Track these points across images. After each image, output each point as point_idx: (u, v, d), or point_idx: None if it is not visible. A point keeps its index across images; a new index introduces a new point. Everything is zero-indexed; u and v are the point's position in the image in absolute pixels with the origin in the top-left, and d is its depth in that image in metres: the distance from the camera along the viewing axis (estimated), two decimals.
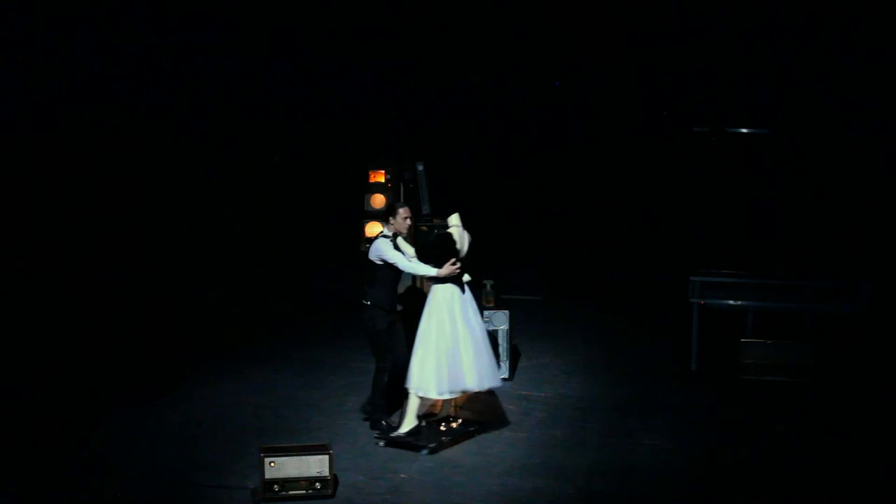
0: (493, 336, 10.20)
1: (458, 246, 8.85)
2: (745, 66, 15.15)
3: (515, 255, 15.70)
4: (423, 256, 8.97)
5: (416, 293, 10.43)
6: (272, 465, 7.52)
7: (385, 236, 8.85)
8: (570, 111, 17.71)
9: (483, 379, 8.87)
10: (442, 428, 9.00)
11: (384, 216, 9.16)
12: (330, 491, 7.61)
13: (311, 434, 8.87)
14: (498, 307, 10.55)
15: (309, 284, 14.64)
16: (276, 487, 7.52)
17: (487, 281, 10.64)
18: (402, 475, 8.09)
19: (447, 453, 8.56)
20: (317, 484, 7.57)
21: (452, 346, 8.70)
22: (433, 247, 8.96)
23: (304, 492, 7.56)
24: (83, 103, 10.17)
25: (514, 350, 11.16)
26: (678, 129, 16.29)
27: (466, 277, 9.01)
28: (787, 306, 10.75)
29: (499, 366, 9.71)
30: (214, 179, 12.87)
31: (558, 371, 11.11)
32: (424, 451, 8.55)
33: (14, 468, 7.98)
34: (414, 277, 10.13)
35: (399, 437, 8.76)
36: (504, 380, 9.90)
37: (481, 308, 9.63)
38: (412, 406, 8.81)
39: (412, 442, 8.69)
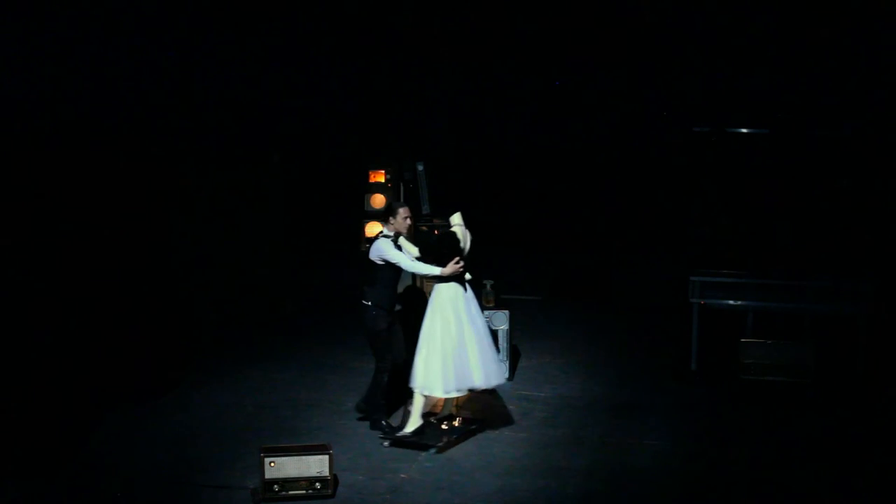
0: (493, 336, 10.19)
1: (461, 245, 8.87)
2: (745, 65, 15.15)
3: (515, 255, 15.68)
4: (426, 255, 8.97)
5: (415, 293, 10.44)
6: (272, 465, 7.52)
7: (386, 236, 8.84)
8: (570, 111, 17.71)
9: (490, 376, 8.88)
10: (444, 427, 9.00)
11: (383, 216, 9.15)
12: (330, 491, 7.61)
13: (311, 434, 8.87)
14: (498, 307, 10.55)
15: (309, 284, 14.64)
16: (276, 487, 7.52)
17: (487, 281, 10.63)
18: (402, 475, 8.09)
19: (447, 453, 8.56)
20: (317, 484, 7.58)
21: (459, 345, 8.70)
22: (437, 246, 8.96)
23: (304, 492, 7.56)
24: (83, 103, 10.17)
25: (514, 350, 11.15)
26: (678, 129, 16.30)
27: (467, 276, 9.02)
28: (787, 306, 10.74)
29: None
30: (214, 179, 12.86)
31: (558, 371, 11.10)
32: (432, 451, 8.56)
33: (14, 468, 7.98)
34: (414, 277, 10.12)
35: (405, 436, 8.76)
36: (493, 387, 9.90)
37: (481, 308, 9.62)
38: (417, 405, 8.81)
39: (418, 441, 8.69)
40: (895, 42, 13.70)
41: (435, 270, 8.76)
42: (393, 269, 8.87)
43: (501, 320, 10.49)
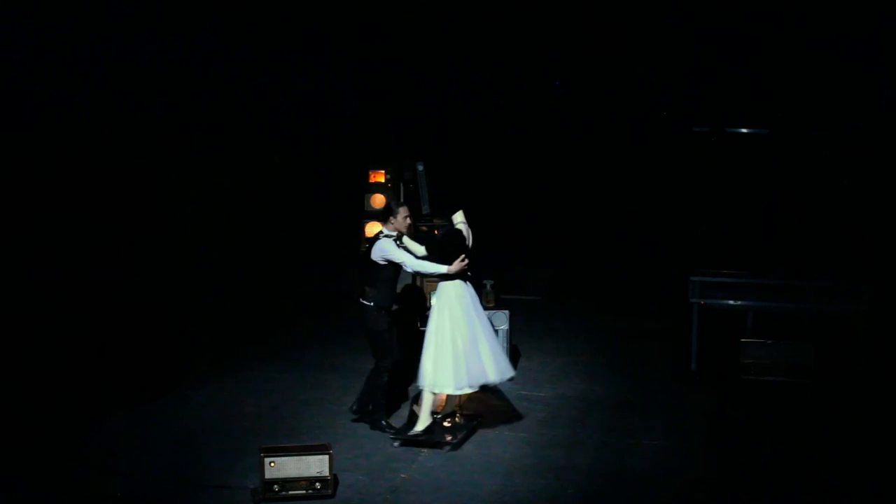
0: None
1: (466, 242, 8.88)
2: (745, 66, 15.14)
3: (515, 255, 15.69)
4: (431, 254, 8.95)
5: (413, 292, 10.44)
6: (272, 465, 7.52)
7: (388, 236, 8.83)
8: (570, 111, 17.71)
9: (503, 371, 8.93)
10: (446, 424, 9.01)
11: (382, 216, 9.12)
12: (330, 491, 7.62)
13: (311, 434, 8.87)
14: (498, 307, 10.55)
15: (309, 284, 14.64)
16: (276, 487, 7.52)
17: (487, 281, 10.64)
18: (402, 475, 8.09)
19: (447, 453, 8.56)
20: (317, 484, 7.58)
21: (471, 341, 8.71)
22: (443, 244, 8.95)
23: (304, 492, 7.56)
24: (83, 103, 10.16)
25: (514, 350, 11.16)
26: (678, 129, 16.30)
27: (468, 274, 9.03)
28: (787, 306, 10.75)
29: None
30: (215, 179, 12.86)
31: (558, 371, 11.11)
32: (447, 448, 8.57)
33: (14, 468, 7.98)
34: (413, 276, 10.12)
35: (416, 435, 8.76)
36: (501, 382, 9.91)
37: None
38: (426, 404, 8.81)
39: (430, 440, 8.70)
40: (895, 42, 13.70)
41: (441, 269, 8.74)
42: (394, 269, 8.86)
43: (501, 320, 10.49)
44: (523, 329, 12.18)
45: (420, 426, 8.80)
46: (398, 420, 9.25)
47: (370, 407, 9.10)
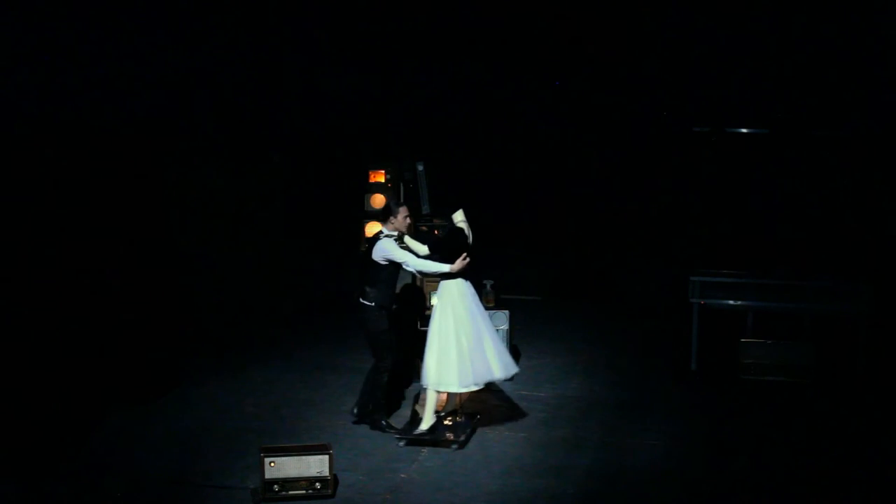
0: None
1: (468, 241, 8.89)
2: (744, 66, 15.14)
3: (515, 255, 15.69)
4: (434, 253, 8.95)
5: (413, 292, 10.44)
6: (272, 465, 7.52)
7: (388, 236, 8.82)
8: (570, 111, 17.70)
9: (507, 367, 8.95)
10: (447, 423, 9.01)
11: (381, 217, 9.11)
12: (330, 491, 7.61)
13: (311, 434, 8.87)
14: (498, 307, 10.55)
15: (309, 284, 14.64)
16: (276, 487, 7.52)
17: (487, 281, 10.64)
18: (402, 475, 8.09)
19: (447, 453, 8.57)
20: (317, 484, 7.58)
21: (475, 339, 8.72)
22: (446, 243, 8.95)
23: (304, 492, 7.56)
24: (83, 103, 10.17)
25: (515, 350, 11.15)
26: (678, 129, 16.29)
27: None
28: (787, 306, 10.74)
29: None
30: (214, 179, 12.86)
31: (558, 371, 11.10)
32: (454, 447, 8.58)
33: (14, 468, 7.98)
34: (413, 276, 10.12)
35: (421, 434, 8.76)
36: (505, 380, 9.90)
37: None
38: (430, 403, 8.81)
39: (436, 439, 8.70)
40: (894, 42, 13.70)
41: (444, 268, 8.74)
42: (394, 269, 8.86)
43: (501, 320, 10.49)
44: (523, 329, 12.18)
45: (425, 425, 8.80)
46: (399, 420, 9.24)
47: (370, 407, 9.10)
